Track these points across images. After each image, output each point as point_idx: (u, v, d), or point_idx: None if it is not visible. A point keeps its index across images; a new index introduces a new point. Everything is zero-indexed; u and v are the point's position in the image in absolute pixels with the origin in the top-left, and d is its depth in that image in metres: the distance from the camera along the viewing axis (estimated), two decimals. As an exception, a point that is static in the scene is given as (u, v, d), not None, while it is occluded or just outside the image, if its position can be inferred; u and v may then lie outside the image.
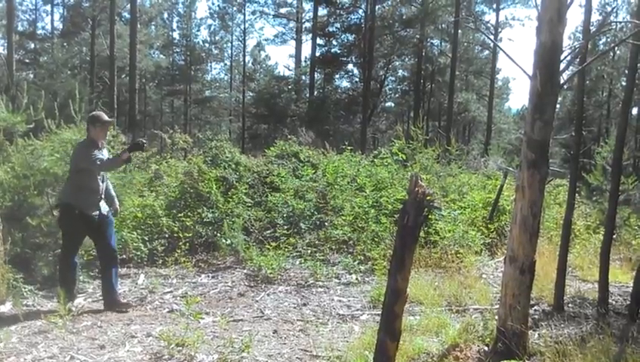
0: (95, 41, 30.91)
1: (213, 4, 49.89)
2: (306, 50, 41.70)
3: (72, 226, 5.19)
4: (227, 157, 9.38)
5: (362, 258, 7.24)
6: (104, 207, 5.34)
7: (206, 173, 8.30)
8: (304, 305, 5.69)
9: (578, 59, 5.37)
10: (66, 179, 5.54)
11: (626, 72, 6.36)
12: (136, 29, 24.97)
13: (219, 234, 7.61)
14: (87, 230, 5.27)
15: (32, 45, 36.33)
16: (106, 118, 5.31)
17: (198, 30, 47.40)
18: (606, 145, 10.88)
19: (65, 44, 31.01)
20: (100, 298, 5.53)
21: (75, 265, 5.37)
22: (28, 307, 5.24)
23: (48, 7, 37.13)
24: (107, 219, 5.36)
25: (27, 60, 33.51)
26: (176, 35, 44.17)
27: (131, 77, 25.17)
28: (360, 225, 7.97)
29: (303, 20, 37.80)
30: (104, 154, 5.27)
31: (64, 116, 6.43)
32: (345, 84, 36.46)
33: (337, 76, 35.95)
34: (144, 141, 5.26)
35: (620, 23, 27.43)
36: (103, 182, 5.34)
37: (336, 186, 9.04)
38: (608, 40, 32.47)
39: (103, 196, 5.33)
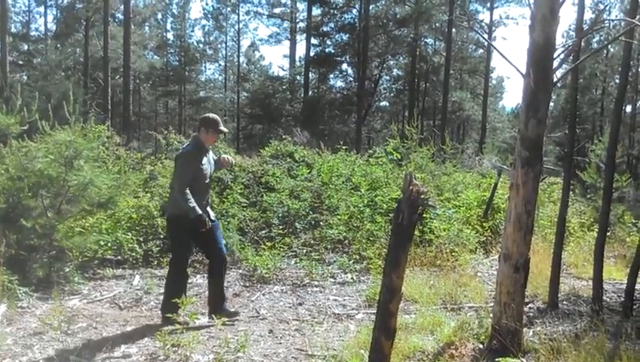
0: (89, 42, 30.85)
1: (207, 4, 50.09)
2: (301, 50, 41.74)
3: (182, 236, 4.93)
4: (222, 157, 9.37)
5: (357, 257, 7.25)
6: (212, 213, 5.18)
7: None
8: (300, 304, 5.70)
9: (571, 57, 5.39)
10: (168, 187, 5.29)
11: (620, 69, 6.38)
12: (129, 29, 24.93)
13: (214, 235, 7.59)
14: (196, 237, 4.97)
15: (26, 47, 36.18)
16: (222, 126, 5.19)
17: (192, 31, 47.49)
18: (600, 143, 10.91)
19: (58, 45, 30.88)
20: (96, 299, 5.53)
21: (187, 276, 5.19)
22: (23, 309, 5.21)
23: (41, 9, 37.13)
24: (215, 223, 5.12)
25: (21, 62, 33.30)
26: (170, 35, 44.15)
27: (125, 78, 25.15)
28: (355, 225, 7.99)
29: (297, 20, 37.82)
30: (209, 156, 5.15)
31: (58, 117, 6.37)
32: (339, 83, 36.59)
33: (332, 76, 36.02)
34: (206, 225, 4.88)
35: (613, 20, 27.52)
36: (209, 187, 5.17)
37: (331, 186, 9.06)
38: (601, 38, 32.67)
39: (209, 201, 5.18)
